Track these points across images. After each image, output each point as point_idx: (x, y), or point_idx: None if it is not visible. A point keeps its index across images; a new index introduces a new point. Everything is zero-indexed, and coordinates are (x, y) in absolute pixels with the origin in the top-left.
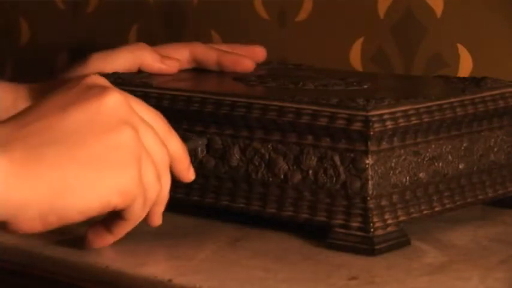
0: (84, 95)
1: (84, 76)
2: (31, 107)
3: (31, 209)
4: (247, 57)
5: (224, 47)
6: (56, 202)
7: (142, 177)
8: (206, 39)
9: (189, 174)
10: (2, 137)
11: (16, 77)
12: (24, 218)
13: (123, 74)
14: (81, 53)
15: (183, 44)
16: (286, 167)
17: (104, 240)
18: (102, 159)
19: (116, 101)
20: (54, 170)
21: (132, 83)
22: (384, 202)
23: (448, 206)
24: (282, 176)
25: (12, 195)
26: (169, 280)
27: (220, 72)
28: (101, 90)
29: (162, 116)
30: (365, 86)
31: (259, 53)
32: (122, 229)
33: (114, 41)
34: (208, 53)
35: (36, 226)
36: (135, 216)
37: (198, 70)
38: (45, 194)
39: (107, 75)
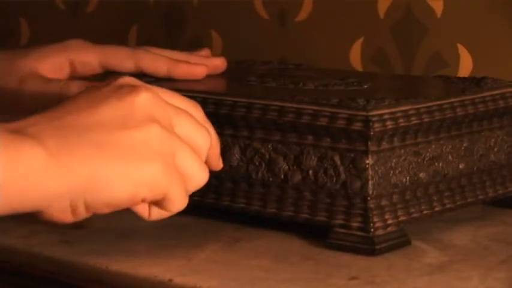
0: (115, 93)
1: (117, 76)
2: (64, 101)
3: (63, 199)
4: (200, 64)
5: (176, 55)
6: (84, 194)
7: (179, 168)
8: (206, 39)
9: (219, 162)
10: (36, 128)
11: None
12: (57, 208)
13: (123, 74)
14: None
15: (129, 52)
16: (287, 167)
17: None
18: (129, 153)
19: (145, 98)
20: (84, 163)
21: None
22: (384, 202)
23: (448, 206)
24: (282, 176)
25: (46, 185)
26: (170, 280)
27: (220, 72)
28: (132, 88)
29: (197, 105)
30: (365, 86)
31: (219, 64)
32: (161, 216)
33: (114, 41)
34: (157, 63)
35: (67, 217)
36: (174, 207)
37: None
38: (76, 185)
39: (106, 75)
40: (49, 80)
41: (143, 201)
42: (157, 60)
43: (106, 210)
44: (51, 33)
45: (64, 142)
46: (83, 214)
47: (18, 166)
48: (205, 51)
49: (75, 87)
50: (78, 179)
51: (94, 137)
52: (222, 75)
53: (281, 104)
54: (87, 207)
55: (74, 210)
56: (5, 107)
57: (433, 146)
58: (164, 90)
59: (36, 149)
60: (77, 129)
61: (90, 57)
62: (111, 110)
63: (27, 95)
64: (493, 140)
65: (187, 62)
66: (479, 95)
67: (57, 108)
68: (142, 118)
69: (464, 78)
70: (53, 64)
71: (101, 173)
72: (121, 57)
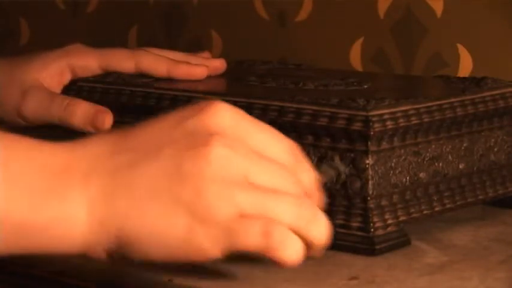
0: (185, 142)
1: (197, 108)
2: (128, 132)
3: (101, 244)
4: (200, 65)
5: (177, 56)
6: (121, 246)
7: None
8: (206, 39)
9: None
10: (91, 162)
11: None
12: (98, 249)
13: (123, 74)
14: None
15: (129, 53)
16: None
17: None
18: (189, 212)
19: (221, 156)
20: (128, 213)
21: (133, 84)
22: (384, 202)
23: (448, 206)
24: None
25: (84, 239)
26: (170, 280)
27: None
28: (206, 140)
29: (290, 144)
30: (365, 86)
31: (219, 65)
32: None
33: (114, 41)
34: (157, 64)
35: (105, 258)
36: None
37: None
38: (114, 233)
39: (107, 75)
40: (53, 96)
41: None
42: (157, 61)
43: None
44: (51, 33)
45: (112, 187)
46: (120, 260)
47: (56, 214)
48: (206, 54)
49: (79, 110)
50: (115, 228)
51: (148, 189)
52: (222, 75)
53: (281, 104)
54: (123, 257)
55: (110, 255)
56: (7, 118)
57: (433, 146)
58: (249, 128)
59: (80, 200)
60: (131, 174)
61: (90, 60)
62: (171, 162)
63: (30, 109)
64: (493, 140)
65: (187, 63)
66: (479, 95)
67: (120, 141)
68: (218, 182)
69: (464, 78)
70: (54, 71)
71: (142, 228)
72: (121, 59)
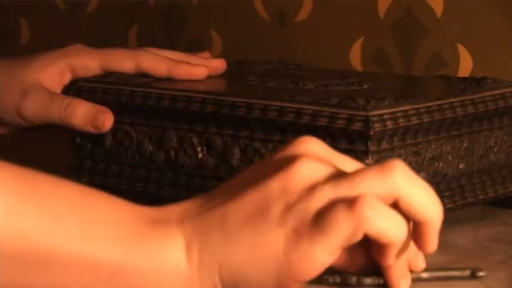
0: (273, 169)
1: (291, 159)
2: (222, 187)
3: (205, 285)
4: (200, 65)
5: (177, 56)
6: (228, 282)
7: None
8: (206, 39)
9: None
10: (184, 213)
11: None
12: None
13: (123, 74)
14: None
15: (129, 53)
16: None
17: None
18: (282, 225)
19: (305, 168)
20: (224, 245)
21: (133, 84)
22: None
23: (448, 206)
24: None
25: (190, 271)
26: None
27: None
28: (293, 160)
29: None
30: (365, 86)
31: (219, 65)
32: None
33: (114, 41)
34: (158, 63)
35: None
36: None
37: None
38: (216, 271)
39: (107, 75)
40: (53, 96)
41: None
42: (157, 61)
43: None
44: (51, 33)
45: (200, 236)
46: None
47: (157, 256)
48: (206, 54)
49: (80, 110)
50: (206, 277)
51: (232, 238)
52: (222, 75)
53: (281, 104)
54: None
55: None
56: (7, 119)
57: (433, 146)
58: (338, 154)
59: (178, 242)
60: (224, 213)
61: (90, 61)
62: (263, 187)
63: (30, 110)
64: (493, 140)
65: (188, 63)
66: (479, 95)
67: (205, 197)
68: (302, 187)
69: (464, 78)
70: (54, 72)
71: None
72: (121, 58)
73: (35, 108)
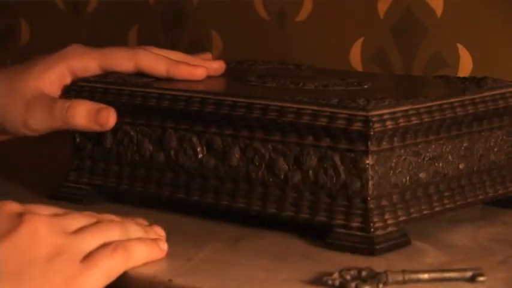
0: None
1: None
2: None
3: None
4: (199, 66)
5: (177, 56)
6: None
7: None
8: (206, 39)
9: None
10: None
11: None
12: None
13: (123, 74)
14: None
15: (128, 53)
16: (286, 167)
17: None
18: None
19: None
20: None
21: (133, 84)
22: (384, 202)
23: (448, 206)
24: (282, 176)
25: None
26: (170, 280)
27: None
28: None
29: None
30: (365, 86)
31: (218, 67)
32: None
33: (114, 41)
34: (157, 63)
35: None
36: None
37: None
38: None
39: (107, 75)
40: (54, 102)
41: None
42: (156, 61)
43: None
44: (51, 33)
45: None
46: None
47: None
48: (207, 55)
49: (82, 110)
50: None
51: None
52: (222, 75)
53: (281, 104)
54: None
55: None
56: (10, 128)
57: (433, 146)
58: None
59: None
60: None
61: (89, 61)
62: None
63: (39, 123)
64: (493, 140)
65: (187, 63)
66: (479, 95)
67: None
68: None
69: (464, 78)
70: (54, 77)
71: None
72: (120, 58)
73: (42, 120)
